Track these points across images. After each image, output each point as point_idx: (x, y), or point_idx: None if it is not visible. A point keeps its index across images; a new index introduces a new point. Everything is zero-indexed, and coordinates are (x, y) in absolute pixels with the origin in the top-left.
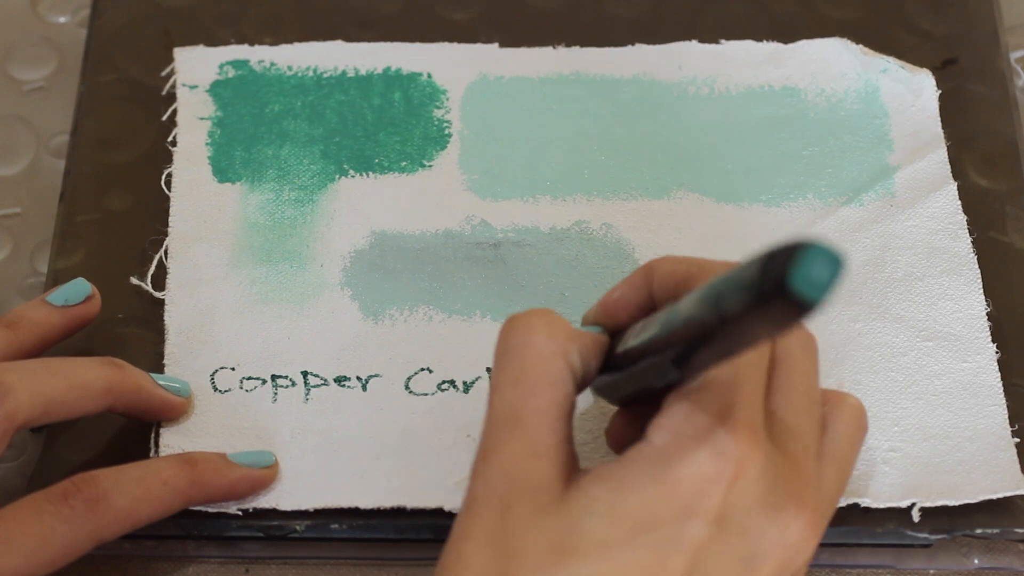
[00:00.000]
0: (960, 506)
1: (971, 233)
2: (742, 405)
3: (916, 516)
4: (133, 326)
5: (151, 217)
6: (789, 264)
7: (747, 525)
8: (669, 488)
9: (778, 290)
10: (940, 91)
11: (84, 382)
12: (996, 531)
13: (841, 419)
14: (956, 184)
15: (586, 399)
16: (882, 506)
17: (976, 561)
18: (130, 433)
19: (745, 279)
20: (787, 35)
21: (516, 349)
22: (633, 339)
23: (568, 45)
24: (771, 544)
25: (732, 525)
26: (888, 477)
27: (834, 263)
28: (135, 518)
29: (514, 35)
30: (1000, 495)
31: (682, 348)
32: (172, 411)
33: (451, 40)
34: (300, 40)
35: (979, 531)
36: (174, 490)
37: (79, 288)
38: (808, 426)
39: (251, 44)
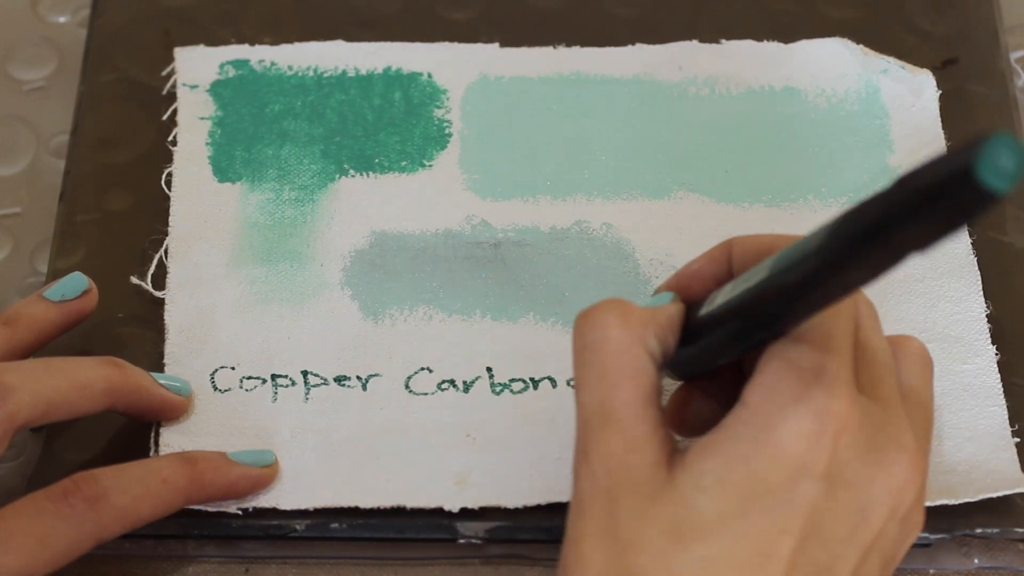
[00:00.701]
0: (960, 506)
1: (971, 235)
2: (836, 358)
3: None
4: (133, 326)
5: (151, 217)
6: (975, 154)
7: (854, 477)
8: (774, 451)
9: (963, 181)
10: (940, 91)
11: (85, 382)
12: (996, 531)
13: (908, 359)
14: None
15: None
16: None
17: (976, 561)
18: (130, 433)
19: (910, 183)
20: (787, 35)
21: (595, 345)
22: (725, 295)
23: (568, 45)
24: (880, 491)
25: (840, 479)
26: None
27: (1019, 151)
28: (135, 516)
29: (514, 35)
30: (1000, 493)
31: (793, 289)
32: (173, 410)
33: (451, 40)
34: (300, 40)
35: (979, 531)
36: (174, 488)
37: (76, 282)
38: (891, 370)
39: (251, 44)
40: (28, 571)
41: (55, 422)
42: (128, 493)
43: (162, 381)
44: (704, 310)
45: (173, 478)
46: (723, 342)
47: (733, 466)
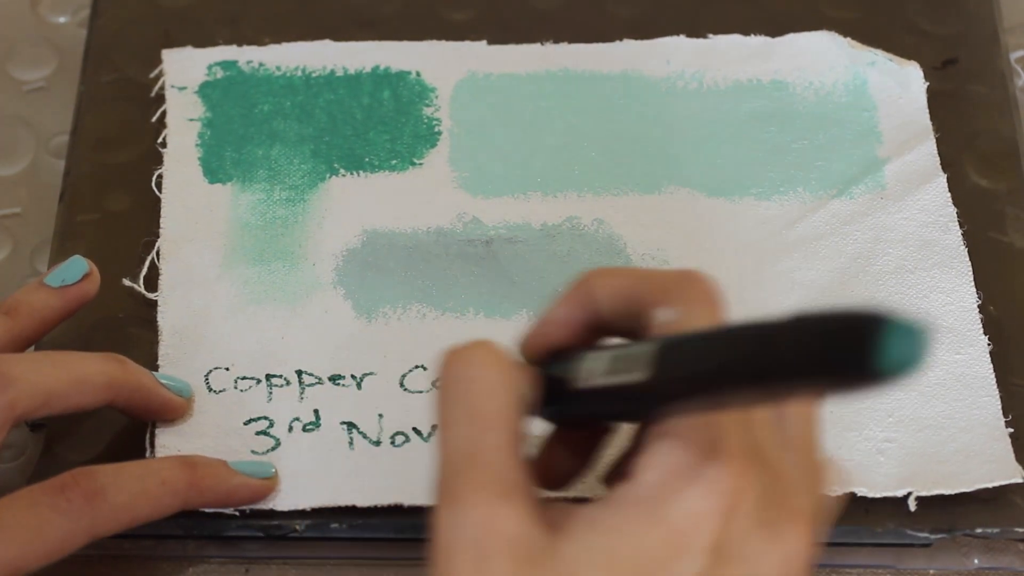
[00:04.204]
0: (960, 505)
1: (962, 226)
2: (731, 435)
3: (912, 505)
4: (133, 326)
5: (151, 217)
6: (873, 340)
7: (748, 551)
8: (665, 529)
9: (861, 364)
10: (940, 91)
11: (85, 375)
12: (996, 531)
13: (790, 406)
14: (946, 176)
15: None
16: (879, 495)
17: (976, 561)
18: (130, 434)
19: (801, 344)
20: (786, 35)
21: (465, 383)
22: (601, 377)
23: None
24: (774, 562)
25: (733, 554)
26: (884, 467)
27: (918, 337)
28: (131, 515)
29: (514, 35)
30: (996, 484)
31: (672, 398)
32: (173, 411)
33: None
34: (300, 40)
35: (979, 531)
36: (172, 491)
37: (76, 266)
38: (773, 431)
39: (251, 44)
40: (21, 562)
41: (55, 415)
42: (126, 491)
43: (164, 381)
44: (576, 376)
45: (172, 480)
46: (605, 415)
47: (624, 542)
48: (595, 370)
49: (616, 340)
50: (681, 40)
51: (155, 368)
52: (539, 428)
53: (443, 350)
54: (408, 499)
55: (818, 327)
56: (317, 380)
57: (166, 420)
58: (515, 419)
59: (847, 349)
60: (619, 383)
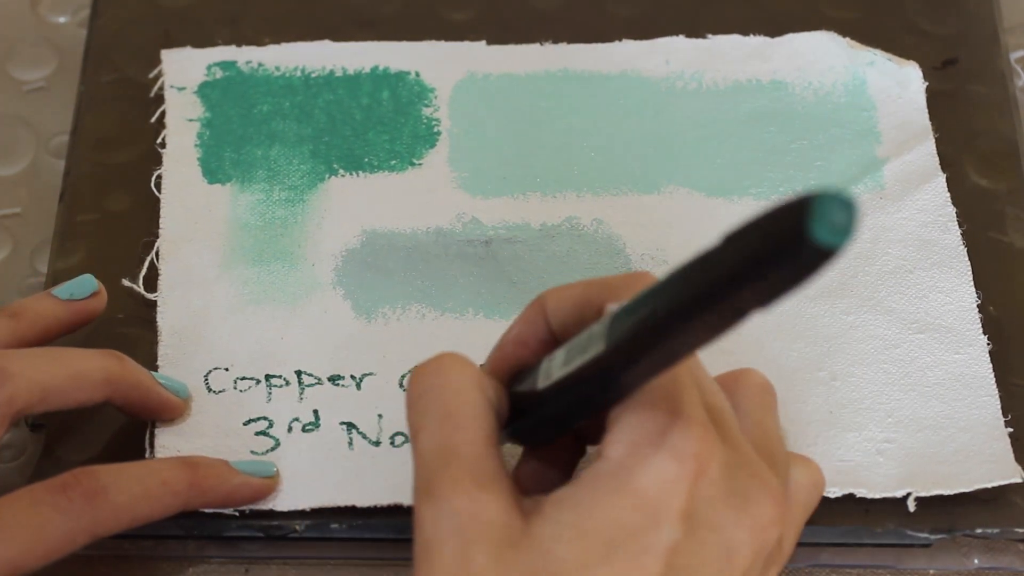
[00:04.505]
0: (960, 505)
1: (961, 226)
2: (689, 402)
3: (912, 506)
4: (133, 326)
5: (151, 217)
6: (807, 213)
7: (717, 519)
8: (634, 498)
9: (799, 240)
10: (940, 91)
11: (83, 371)
12: (996, 531)
13: (745, 393)
14: (945, 176)
15: None
16: (878, 496)
17: (976, 561)
18: (130, 434)
19: (743, 244)
20: (785, 35)
21: (434, 390)
22: (560, 369)
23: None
24: (745, 532)
25: (702, 521)
26: (883, 468)
27: (849, 206)
28: (132, 515)
29: (514, 35)
30: (995, 484)
31: (631, 357)
32: (170, 411)
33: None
34: (300, 41)
35: (979, 531)
36: (173, 491)
37: (85, 284)
38: (728, 411)
39: (250, 45)
40: (21, 562)
41: (54, 411)
42: (127, 491)
43: (162, 381)
44: (541, 382)
45: (173, 480)
46: (569, 410)
47: (593, 515)
48: (553, 367)
49: None
50: (680, 40)
51: (155, 368)
52: (512, 449)
53: (411, 369)
54: (408, 499)
55: (748, 229)
56: (317, 380)
57: (164, 420)
58: (486, 417)
59: (781, 233)
60: (578, 366)
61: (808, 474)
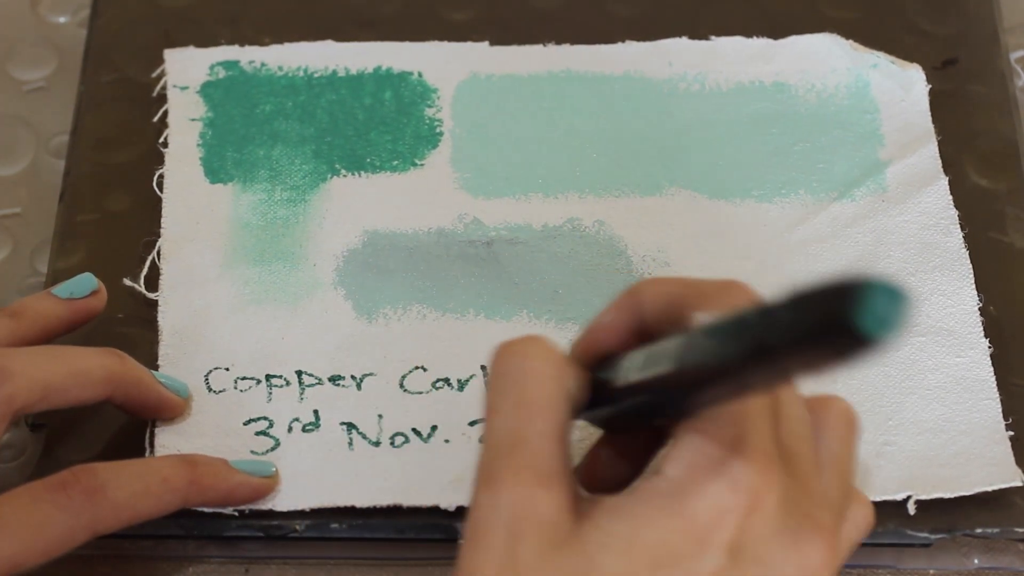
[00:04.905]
0: (960, 506)
1: (963, 228)
2: (755, 433)
3: (912, 509)
4: (134, 326)
5: (151, 217)
6: (853, 301)
7: (766, 554)
8: (686, 522)
9: (842, 327)
10: (940, 91)
11: (84, 369)
12: (996, 531)
13: (830, 424)
14: (948, 179)
15: None
16: (878, 499)
17: (976, 561)
18: (130, 434)
19: (794, 316)
20: (787, 35)
21: (515, 373)
22: (636, 372)
23: (562, 44)
24: (791, 570)
25: (750, 555)
26: (884, 471)
27: (898, 298)
28: (132, 513)
29: (515, 36)
30: (995, 487)
31: (697, 385)
32: (170, 410)
33: (451, 41)
34: (300, 41)
35: (979, 531)
36: (172, 488)
37: (85, 283)
38: (807, 440)
39: (251, 44)
40: (21, 559)
41: (55, 409)
42: (126, 489)
43: (162, 380)
44: (616, 376)
45: (173, 478)
46: (639, 414)
47: (643, 532)
48: (632, 367)
49: None
50: (683, 42)
51: (155, 368)
52: (589, 433)
53: (496, 344)
54: (407, 500)
55: (807, 297)
56: (317, 380)
57: (164, 419)
58: (562, 410)
59: (831, 314)
60: (650, 376)
61: (863, 514)
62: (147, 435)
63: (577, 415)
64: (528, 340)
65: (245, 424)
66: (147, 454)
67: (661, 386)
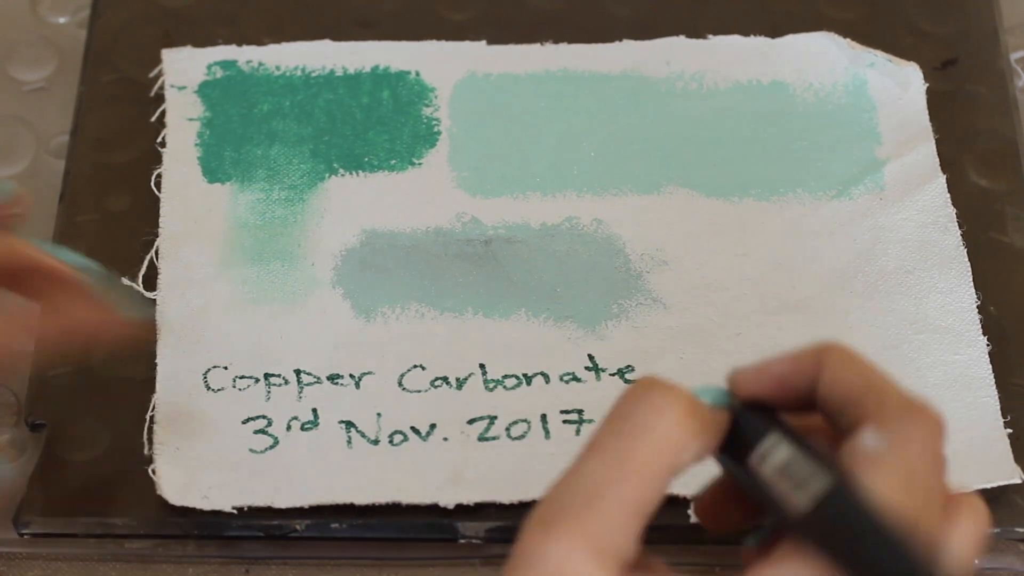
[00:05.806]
0: None
1: (962, 228)
2: None
3: None
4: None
5: (151, 217)
6: None
7: None
8: None
9: None
10: (940, 91)
11: None
12: (996, 531)
13: (961, 527)
14: (945, 177)
15: None
16: None
17: (976, 561)
18: (130, 434)
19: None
20: (787, 35)
21: (637, 423)
22: (768, 468)
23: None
24: None
25: None
26: None
27: None
28: None
29: (515, 36)
30: (994, 484)
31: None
32: (75, 289)
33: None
34: (300, 40)
35: None
36: None
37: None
38: None
39: (250, 44)
40: None
41: None
42: None
43: (67, 259)
44: (754, 455)
45: None
46: (757, 496)
47: None
48: (770, 460)
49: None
50: (681, 41)
51: (155, 367)
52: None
53: (637, 378)
54: (406, 497)
55: (884, 551)
56: (316, 379)
57: (92, 323)
58: (661, 484)
59: None
60: (776, 494)
61: None
62: (146, 435)
63: (703, 456)
64: (669, 393)
65: (244, 422)
66: (146, 451)
67: (776, 510)
